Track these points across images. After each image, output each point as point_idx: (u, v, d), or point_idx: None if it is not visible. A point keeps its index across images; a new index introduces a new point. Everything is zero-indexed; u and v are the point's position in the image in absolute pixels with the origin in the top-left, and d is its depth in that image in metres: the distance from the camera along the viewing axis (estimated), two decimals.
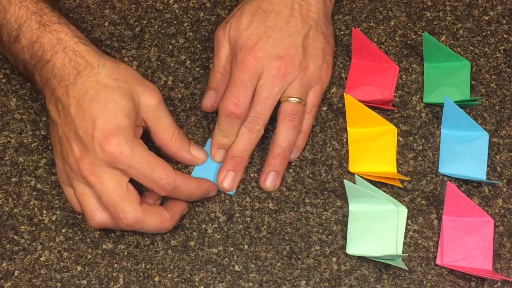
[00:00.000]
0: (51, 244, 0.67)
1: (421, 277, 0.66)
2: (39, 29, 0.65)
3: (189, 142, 0.68)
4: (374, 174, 0.69)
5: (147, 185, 0.63)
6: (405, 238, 0.67)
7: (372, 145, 0.70)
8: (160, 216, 0.64)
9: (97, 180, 0.61)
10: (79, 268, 0.66)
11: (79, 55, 0.64)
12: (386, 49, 0.75)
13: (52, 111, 0.64)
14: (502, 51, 0.75)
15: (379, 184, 0.69)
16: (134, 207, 0.62)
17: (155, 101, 0.65)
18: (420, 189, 0.69)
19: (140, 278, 0.66)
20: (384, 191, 0.68)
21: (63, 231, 0.68)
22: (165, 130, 0.66)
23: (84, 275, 0.66)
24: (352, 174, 0.70)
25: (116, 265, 0.66)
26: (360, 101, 0.70)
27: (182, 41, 0.76)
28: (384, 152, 0.70)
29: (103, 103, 0.62)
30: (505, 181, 0.70)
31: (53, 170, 0.70)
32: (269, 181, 0.68)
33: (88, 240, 0.67)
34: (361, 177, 0.67)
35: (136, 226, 0.63)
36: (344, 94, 0.70)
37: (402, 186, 0.69)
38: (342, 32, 0.76)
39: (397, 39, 0.76)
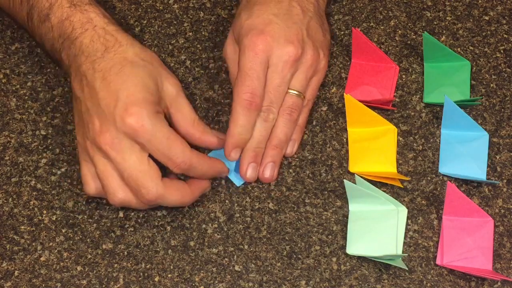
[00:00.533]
0: (51, 244, 0.67)
1: (421, 277, 0.66)
2: (69, 8, 0.66)
3: (209, 128, 0.68)
4: (374, 174, 0.69)
5: (163, 162, 0.63)
6: (405, 238, 0.67)
7: (372, 145, 0.70)
8: (181, 191, 0.64)
9: (118, 155, 0.61)
10: (79, 268, 0.66)
11: (109, 33, 0.65)
12: (386, 49, 0.75)
13: (76, 88, 0.65)
14: (502, 51, 0.75)
15: (379, 184, 0.69)
16: (156, 183, 0.62)
17: (177, 88, 0.65)
18: (420, 189, 0.69)
19: (140, 278, 0.66)
20: (384, 191, 0.68)
21: (63, 231, 0.68)
22: (187, 117, 0.66)
23: (84, 275, 0.66)
24: (352, 174, 0.70)
25: (116, 265, 0.66)
26: (360, 101, 0.70)
27: (182, 41, 0.76)
28: (384, 152, 0.70)
29: (128, 77, 0.62)
30: (505, 181, 0.70)
31: (53, 170, 0.70)
32: (268, 171, 0.68)
33: (88, 240, 0.67)
34: (361, 177, 0.67)
35: (158, 201, 0.63)
36: (344, 94, 0.70)
37: (402, 186, 0.69)
38: (342, 32, 0.76)
39: (397, 39, 0.76)
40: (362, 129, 0.71)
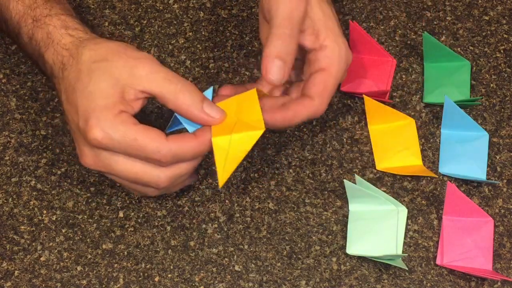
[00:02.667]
0: (51, 244, 0.67)
1: (421, 277, 0.66)
2: (32, 24, 0.64)
3: (202, 97, 0.60)
4: (401, 169, 0.69)
5: (146, 162, 0.60)
6: (405, 238, 0.67)
7: (395, 140, 0.71)
8: (192, 140, 0.59)
9: (107, 171, 0.61)
10: (79, 268, 0.66)
11: (64, 48, 0.62)
12: (386, 49, 0.75)
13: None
14: (502, 51, 0.75)
15: (379, 184, 0.69)
16: (160, 170, 0.60)
17: (147, 69, 0.59)
18: (420, 189, 0.69)
19: (140, 278, 0.66)
20: (384, 191, 0.68)
21: (63, 231, 0.68)
22: (166, 89, 0.59)
23: (84, 275, 0.66)
24: (352, 174, 0.70)
25: (116, 265, 0.66)
26: (356, 93, 0.70)
27: (182, 41, 0.76)
28: (407, 146, 0.70)
29: (81, 91, 0.60)
30: (505, 181, 0.70)
31: (53, 170, 0.70)
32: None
33: (88, 240, 0.67)
34: (362, 181, 0.67)
35: (175, 159, 0.59)
36: (364, 95, 0.70)
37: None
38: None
39: (397, 39, 0.76)
40: (383, 125, 0.71)
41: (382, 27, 0.77)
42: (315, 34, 0.64)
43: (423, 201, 0.69)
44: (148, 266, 0.66)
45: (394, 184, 0.69)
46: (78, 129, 0.60)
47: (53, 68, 0.63)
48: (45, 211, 0.68)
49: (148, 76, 0.59)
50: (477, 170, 0.69)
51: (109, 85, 0.59)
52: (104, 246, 0.67)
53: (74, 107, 0.60)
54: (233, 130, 0.60)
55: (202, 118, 0.60)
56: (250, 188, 0.69)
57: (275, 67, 0.61)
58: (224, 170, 0.60)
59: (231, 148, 0.60)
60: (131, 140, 0.58)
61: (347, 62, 0.64)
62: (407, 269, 0.66)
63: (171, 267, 0.66)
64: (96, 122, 0.58)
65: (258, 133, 0.60)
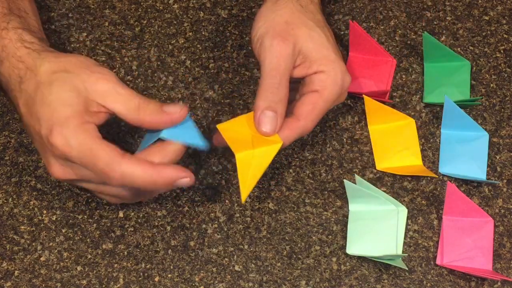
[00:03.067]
0: (51, 244, 0.67)
1: (421, 277, 0.66)
2: None
3: (160, 104, 0.60)
4: (401, 169, 0.69)
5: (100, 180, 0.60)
6: (405, 238, 0.67)
7: (395, 140, 0.71)
8: (147, 169, 0.58)
9: (74, 180, 0.60)
10: (79, 268, 0.66)
11: (20, 60, 0.61)
12: (386, 49, 0.75)
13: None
14: (502, 51, 0.75)
15: (379, 184, 0.69)
16: (113, 162, 0.58)
17: (107, 82, 0.59)
18: (420, 189, 0.69)
19: (140, 278, 0.66)
20: (384, 191, 0.68)
21: (63, 231, 0.68)
22: (128, 105, 0.59)
23: (84, 275, 0.66)
24: (352, 174, 0.70)
25: (116, 265, 0.66)
26: (355, 93, 0.70)
27: (182, 41, 0.76)
28: (407, 146, 0.70)
29: (42, 101, 0.59)
30: (505, 181, 0.70)
31: None
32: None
33: (88, 240, 0.67)
34: (363, 182, 0.67)
35: (124, 180, 0.58)
36: (364, 95, 0.70)
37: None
38: (342, 32, 0.76)
39: (397, 39, 0.76)
40: (383, 125, 0.71)
41: (382, 27, 0.77)
42: (308, 66, 0.64)
43: (423, 201, 0.69)
44: (148, 266, 0.66)
45: (394, 184, 0.69)
46: (41, 139, 0.59)
47: (9, 82, 0.61)
48: (45, 211, 0.68)
49: (110, 91, 0.59)
50: (477, 170, 0.69)
51: (72, 94, 0.58)
52: (104, 246, 0.67)
53: (36, 118, 0.59)
54: (253, 146, 0.61)
55: (166, 118, 0.60)
56: None
57: (266, 118, 0.61)
58: (247, 184, 0.60)
59: (253, 163, 0.60)
60: (86, 150, 0.57)
61: (343, 87, 0.64)
62: (407, 269, 0.66)
63: (171, 267, 0.66)
64: (59, 131, 0.57)
65: (277, 146, 0.61)
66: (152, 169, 0.58)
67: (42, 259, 0.67)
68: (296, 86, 0.66)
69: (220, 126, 0.62)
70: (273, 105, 0.61)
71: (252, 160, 0.60)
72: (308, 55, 0.63)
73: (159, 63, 0.75)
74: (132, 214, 0.68)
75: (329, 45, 0.64)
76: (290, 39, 0.63)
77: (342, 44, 0.76)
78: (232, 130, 0.62)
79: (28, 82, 0.60)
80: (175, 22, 0.77)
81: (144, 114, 0.59)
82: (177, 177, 0.59)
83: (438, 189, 0.69)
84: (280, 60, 0.62)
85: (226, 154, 0.70)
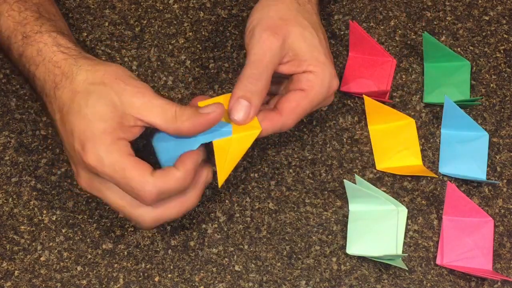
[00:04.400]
0: (51, 244, 0.67)
1: (421, 277, 0.66)
2: (22, 41, 0.62)
3: (196, 107, 0.60)
4: (401, 169, 0.69)
5: (132, 197, 0.59)
6: (405, 238, 0.67)
7: (395, 140, 0.71)
8: (179, 179, 0.59)
9: (100, 195, 0.60)
10: (79, 268, 0.66)
11: (56, 65, 0.61)
12: (386, 49, 0.75)
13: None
14: (502, 51, 0.75)
15: (379, 184, 0.69)
16: (145, 210, 0.59)
17: (142, 95, 0.59)
18: (420, 189, 0.69)
19: (140, 278, 0.66)
20: (384, 191, 0.68)
21: (63, 231, 0.68)
22: (164, 116, 0.59)
23: (84, 275, 0.66)
24: (352, 174, 0.70)
25: (116, 265, 0.66)
26: (356, 93, 0.70)
27: (182, 41, 0.76)
28: (407, 146, 0.71)
29: (77, 112, 0.58)
30: (505, 181, 0.70)
31: (53, 170, 0.70)
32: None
33: (88, 240, 0.67)
34: (361, 181, 0.67)
35: (160, 197, 0.59)
36: (364, 95, 0.70)
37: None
38: (342, 32, 0.76)
39: (397, 39, 0.76)
40: (383, 125, 0.71)
41: (382, 27, 0.77)
42: (297, 65, 0.64)
43: (423, 201, 0.69)
44: (148, 266, 0.66)
45: (394, 184, 0.69)
46: (74, 151, 0.59)
47: (44, 87, 0.61)
48: (45, 211, 0.68)
49: (146, 104, 0.59)
50: (477, 170, 0.69)
51: (108, 109, 0.58)
52: (104, 246, 0.67)
53: (70, 128, 0.59)
54: (232, 130, 0.60)
55: (203, 120, 0.59)
56: (250, 188, 0.69)
57: (239, 106, 0.61)
58: (224, 170, 0.61)
59: (231, 149, 0.60)
60: (120, 169, 0.57)
61: (329, 90, 0.64)
62: (407, 269, 0.66)
63: (171, 267, 0.66)
64: (92, 146, 0.57)
65: (256, 132, 0.61)
66: (178, 171, 0.59)
67: (42, 259, 0.67)
68: (281, 81, 0.66)
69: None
70: (248, 95, 0.61)
71: (230, 146, 0.61)
72: (299, 53, 0.63)
73: (159, 63, 0.75)
74: None
75: (320, 47, 0.64)
76: (281, 34, 0.63)
77: (342, 44, 0.76)
78: None
79: (63, 89, 0.60)
80: (175, 22, 0.77)
81: (182, 120, 0.59)
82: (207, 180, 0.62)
83: (438, 189, 0.69)
84: (266, 52, 0.62)
85: None
